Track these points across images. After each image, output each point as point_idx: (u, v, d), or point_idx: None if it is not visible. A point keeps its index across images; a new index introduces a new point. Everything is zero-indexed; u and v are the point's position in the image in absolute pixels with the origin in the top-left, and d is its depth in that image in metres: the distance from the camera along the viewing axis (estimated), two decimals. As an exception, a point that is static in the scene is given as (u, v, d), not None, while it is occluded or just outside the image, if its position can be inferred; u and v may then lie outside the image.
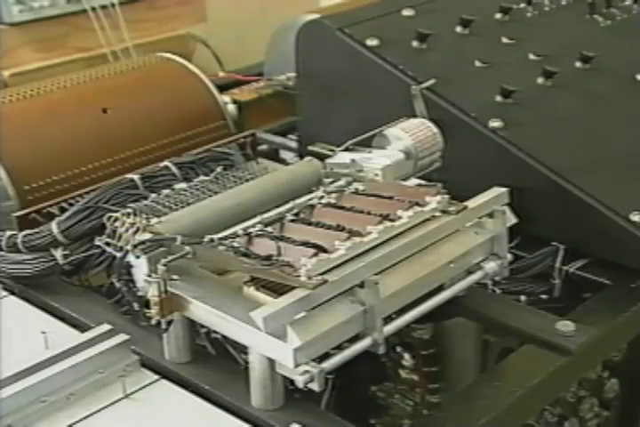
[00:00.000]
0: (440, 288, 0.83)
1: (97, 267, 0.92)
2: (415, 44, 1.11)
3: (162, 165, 1.00)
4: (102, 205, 0.92)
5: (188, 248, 0.76)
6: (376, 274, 0.73)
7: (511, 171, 0.98)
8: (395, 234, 0.78)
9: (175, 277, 0.77)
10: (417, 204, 0.82)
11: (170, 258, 0.76)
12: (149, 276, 0.76)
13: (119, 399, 0.78)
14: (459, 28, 1.16)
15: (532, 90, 1.07)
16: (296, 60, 1.17)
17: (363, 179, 0.90)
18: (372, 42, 1.09)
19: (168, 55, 1.22)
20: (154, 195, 0.94)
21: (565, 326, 0.86)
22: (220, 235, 0.78)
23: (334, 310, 0.72)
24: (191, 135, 1.13)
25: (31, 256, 0.93)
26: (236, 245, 0.76)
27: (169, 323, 0.78)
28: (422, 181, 0.92)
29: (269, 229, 0.80)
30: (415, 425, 1.13)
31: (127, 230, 0.82)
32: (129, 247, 0.79)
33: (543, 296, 1.00)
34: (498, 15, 1.21)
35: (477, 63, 1.11)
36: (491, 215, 0.85)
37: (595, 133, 1.04)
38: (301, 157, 1.09)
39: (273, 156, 1.31)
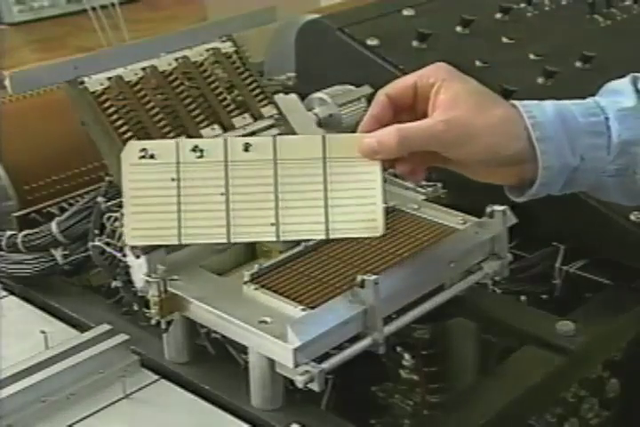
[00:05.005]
0: (440, 288, 0.83)
1: (97, 267, 0.92)
2: (415, 43, 1.11)
3: (162, 164, 1.00)
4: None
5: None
6: (376, 274, 0.73)
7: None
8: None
9: (175, 277, 0.77)
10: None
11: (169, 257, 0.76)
12: (149, 276, 0.76)
13: (119, 399, 0.78)
14: (459, 28, 1.16)
15: (532, 90, 1.07)
16: (296, 60, 1.16)
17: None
18: (372, 42, 1.09)
19: (168, 55, 1.22)
20: (154, 195, 0.94)
21: (565, 326, 0.86)
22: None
23: (334, 309, 0.72)
24: (191, 135, 1.12)
25: (31, 256, 0.93)
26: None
27: (169, 323, 0.78)
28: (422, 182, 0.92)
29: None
30: (415, 425, 1.13)
31: (127, 230, 0.82)
32: (128, 247, 0.79)
33: (543, 296, 1.00)
34: (498, 15, 1.21)
35: (477, 63, 1.11)
36: (491, 215, 0.85)
37: (595, 133, 1.04)
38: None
39: (273, 156, 1.30)
